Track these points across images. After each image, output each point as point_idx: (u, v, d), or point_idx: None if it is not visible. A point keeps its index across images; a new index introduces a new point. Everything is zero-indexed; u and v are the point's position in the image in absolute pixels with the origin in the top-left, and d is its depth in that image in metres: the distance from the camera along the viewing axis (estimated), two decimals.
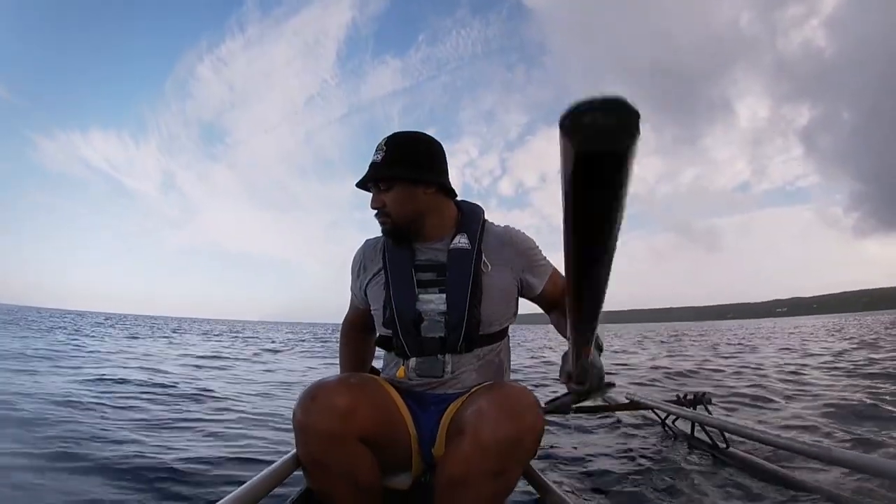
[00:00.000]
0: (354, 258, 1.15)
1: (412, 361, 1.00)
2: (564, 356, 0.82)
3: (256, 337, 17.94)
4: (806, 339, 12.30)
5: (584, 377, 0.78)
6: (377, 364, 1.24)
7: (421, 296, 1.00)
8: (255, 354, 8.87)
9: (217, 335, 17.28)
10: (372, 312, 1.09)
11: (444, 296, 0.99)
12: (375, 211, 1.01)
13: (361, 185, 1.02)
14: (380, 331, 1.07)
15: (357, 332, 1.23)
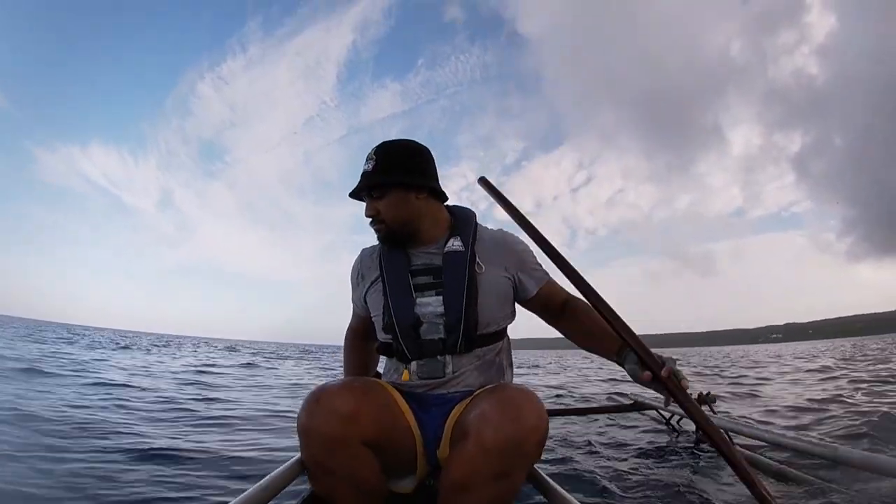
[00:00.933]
0: (353, 268, 1.16)
1: (413, 365, 1.01)
2: (631, 369, 0.91)
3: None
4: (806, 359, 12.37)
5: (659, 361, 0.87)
6: (380, 370, 1.24)
7: (419, 299, 1.01)
8: None
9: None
10: (372, 319, 1.10)
11: (441, 298, 1.00)
12: (370, 219, 1.03)
13: (354, 194, 1.04)
14: (380, 337, 1.07)
15: (360, 340, 1.24)
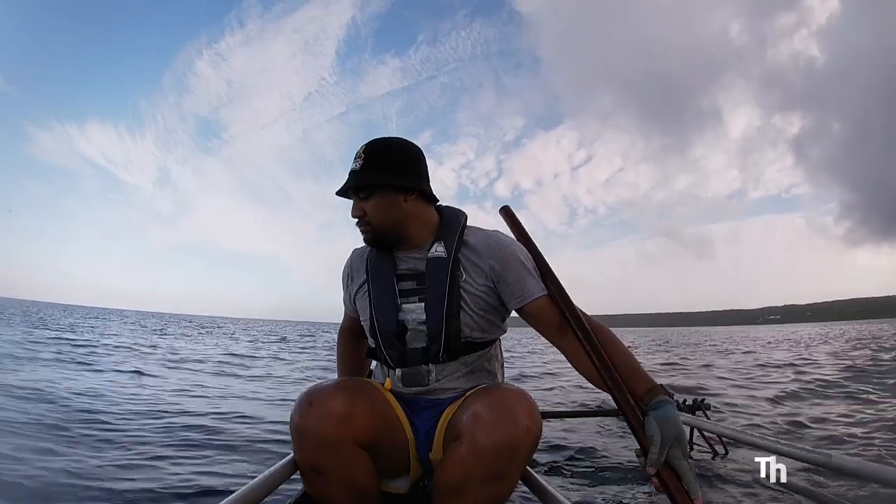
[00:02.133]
0: (343, 269, 1.13)
1: (397, 372, 0.99)
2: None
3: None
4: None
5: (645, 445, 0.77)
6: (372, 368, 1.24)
7: (403, 305, 0.98)
8: None
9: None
10: (361, 323, 1.07)
11: (423, 305, 0.97)
12: (356, 220, 0.99)
13: (342, 193, 0.99)
14: (369, 341, 1.06)
15: (352, 341, 1.22)
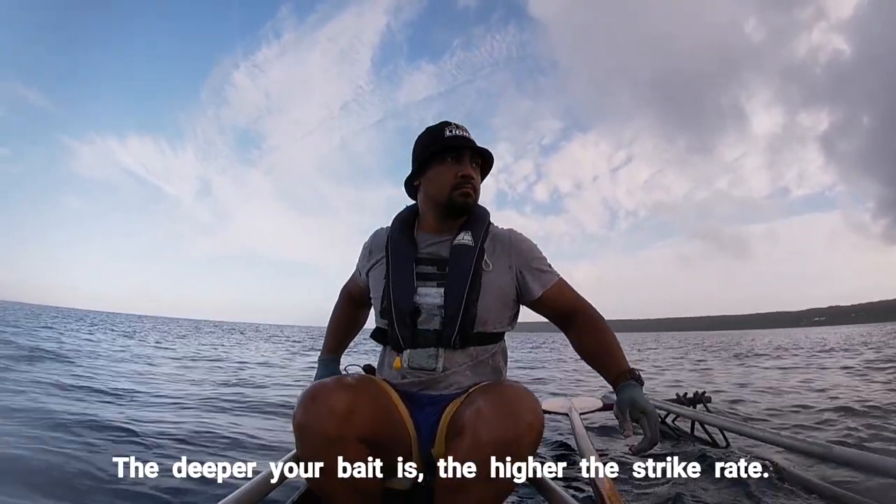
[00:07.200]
0: (365, 242, 1.17)
1: (406, 354, 1.00)
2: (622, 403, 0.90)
3: None
4: None
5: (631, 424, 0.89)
6: (373, 362, 1.24)
7: (420, 289, 1.01)
8: None
9: None
10: (371, 300, 1.10)
11: (442, 290, 0.99)
12: (462, 179, 1.02)
13: (467, 146, 1.03)
14: (377, 322, 1.08)
15: (351, 303, 1.26)
